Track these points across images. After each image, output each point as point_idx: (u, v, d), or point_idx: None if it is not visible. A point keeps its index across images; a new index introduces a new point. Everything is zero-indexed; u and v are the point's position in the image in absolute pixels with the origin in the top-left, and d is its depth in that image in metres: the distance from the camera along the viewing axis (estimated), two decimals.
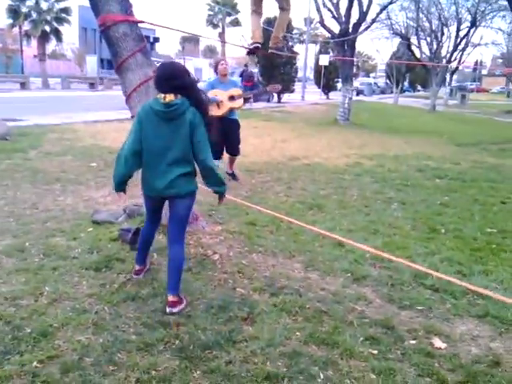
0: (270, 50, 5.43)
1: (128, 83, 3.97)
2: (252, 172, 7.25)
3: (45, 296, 3.04)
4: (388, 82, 48.29)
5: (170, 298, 2.97)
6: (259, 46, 5.10)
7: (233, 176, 6.67)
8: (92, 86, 30.11)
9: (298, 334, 2.79)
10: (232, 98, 6.18)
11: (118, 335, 2.66)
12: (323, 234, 4.15)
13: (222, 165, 6.44)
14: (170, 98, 2.82)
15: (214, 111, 5.89)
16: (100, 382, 2.27)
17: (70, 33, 40.40)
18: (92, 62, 40.10)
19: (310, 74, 43.75)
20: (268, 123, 14.54)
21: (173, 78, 2.83)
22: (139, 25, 4.18)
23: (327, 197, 5.98)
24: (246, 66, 24.96)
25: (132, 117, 4.13)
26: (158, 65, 3.21)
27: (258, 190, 6.20)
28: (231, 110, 6.26)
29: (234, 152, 6.60)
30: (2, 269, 3.39)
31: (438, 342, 2.79)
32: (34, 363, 2.36)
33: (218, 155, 6.52)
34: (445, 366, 2.58)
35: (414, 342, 2.79)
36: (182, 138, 2.85)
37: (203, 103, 2.97)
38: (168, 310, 2.93)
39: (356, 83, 40.52)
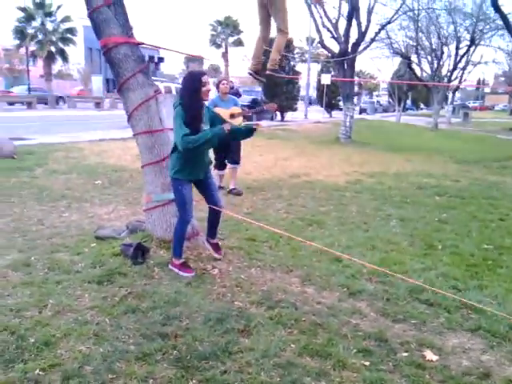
0: (267, 72, 5.64)
1: (129, 102, 4.13)
2: (253, 189, 7.37)
3: (48, 308, 3.14)
4: (391, 100, 48.70)
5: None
6: (252, 73, 5.37)
7: (235, 192, 6.91)
8: (98, 105, 30.57)
9: (292, 345, 2.87)
10: (232, 115, 6.58)
11: (118, 345, 2.74)
12: (321, 249, 4.24)
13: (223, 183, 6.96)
14: None
15: None
16: None
17: (76, 53, 41.32)
18: (97, 81, 40.77)
19: (314, 93, 44.16)
20: (271, 141, 14.72)
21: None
22: (142, 46, 4.38)
23: (327, 213, 6.08)
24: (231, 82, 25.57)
25: (134, 135, 4.29)
26: (161, 85, 3.56)
27: (259, 207, 6.31)
28: None
29: (235, 159, 7.00)
30: (8, 282, 3.50)
31: (429, 355, 2.86)
32: (37, 371, 2.46)
33: (222, 167, 6.99)
34: (435, 377, 2.64)
35: (406, 354, 2.86)
36: None
37: (184, 103, 3.70)
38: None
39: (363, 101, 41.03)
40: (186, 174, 3.81)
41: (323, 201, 6.77)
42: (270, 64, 5.42)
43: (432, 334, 3.11)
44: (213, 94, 6.54)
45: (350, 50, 15.62)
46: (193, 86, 3.72)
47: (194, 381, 2.49)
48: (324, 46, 16.68)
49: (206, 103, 6.52)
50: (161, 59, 56.66)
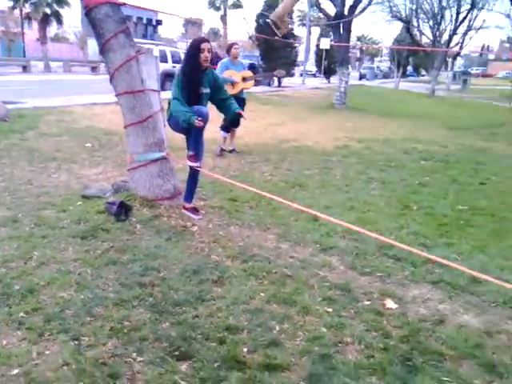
0: (270, 18, 5.75)
1: (111, 63, 4.20)
2: (242, 153, 7.49)
3: (33, 260, 3.32)
4: (391, 66, 48.08)
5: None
6: (272, 22, 5.57)
7: (234, 151, 7.48)
8: (94, 69, 30.22)
9: (262, 294, 3.06)
10: (244, 78, 7.05)
11: (98, 293, 2.94)
12: (297, 208, 4.40)
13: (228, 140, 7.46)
14: None
15: (229, 90, 6.70)
16: (78, 329, 2.55)
17: (73, 16, 40.37)
18: (94, 45, 39.95)
19: (313, 58, 43.52)
20: (265, 107, 14.70)
21: None
22: (140, 8, 4.40)
23: (311, 177, 6.22)
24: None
25: (116, 95, 4.38)
26: (156, 48, 3.90)
27: (245, 170, 6.45)
28: (242, 90, 7.10)
29: (237, 125, 7.35)
30: None
31: (390, 303, 3.06)
32: (21, 314, 2.65)
33: (228, 129, 7.40)
34: (392, 323, 2.84)
35: (367, 302, 3.06)
36: None
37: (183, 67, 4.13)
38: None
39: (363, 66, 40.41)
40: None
41: (309, 165, 6.90)
42: (280, 25, 5.52)
43: (395, 286, 3.31)
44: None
45: (346, 12, 15.38)
46: (192, 51, 4.06)
47: (166, 323, 2.69)
48: (320, 8, 16.41)
49: (219, 65, 6.93)
50: (159, 22, 55.56)
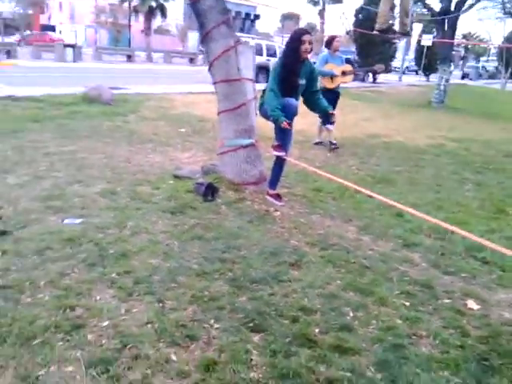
0: (397, 34, 5.95)
1: (211, 52, 4.41)
2: (327, 147, 7.45)
3: (127, 229, 3.61)
4: (499, 66, 44.64)
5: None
6: (380, 31, 5.77)
7: (321, 144, 7.55)
8: (192, 60, 31.54)
9: (338, 281, 3.08)
10: (344, 73, 7.07)
11: (182, 263, 3.14)
12: (383, 201, 4.32)
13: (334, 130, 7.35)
14: None
15: (328, 83, 7.05)
16: (163, 293, 2.76)
17: (176, 8, 42.27)
18: (194, 38, 41.81)
19: (412, 55, 41.73)
20: (356, 102, 14.43)
21: None
22: (235, 1, 4.59)
23: (400, 173, 6.04)
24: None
25: (213, 83, 4.58)
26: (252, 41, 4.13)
27: (332, 163, 6.43)
28: (339, 84, 7.18)
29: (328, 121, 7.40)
30: (96, 206, 4.04)
31: (472, 304, 2.92)
32: (113, 274, 2.92)
33: (331, 120, 7.26)
34: (472, 323, 2.72)
35: (448, 301, 2.95)
36: None
37: (282, 57, 4.19)
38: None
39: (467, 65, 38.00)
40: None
41: (399, 161, 6.70)
42: (400, 28, 5.68)
43: (480, 288, 3.15)
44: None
45: (453, 8, 14.56)
46: (292, 43, 4.09)
47: (243, 297, 2.80)
48: (424, 4, 15.69)
49: (319, 59, 7.03)
50: (256, 16, 56.54)
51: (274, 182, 4.46)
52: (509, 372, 2.28)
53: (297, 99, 4.28)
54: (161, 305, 2.65)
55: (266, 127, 5.55)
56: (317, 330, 2.53)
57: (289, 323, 2.58)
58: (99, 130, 7.09)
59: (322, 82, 7.02)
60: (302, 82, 4.20)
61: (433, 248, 3.72)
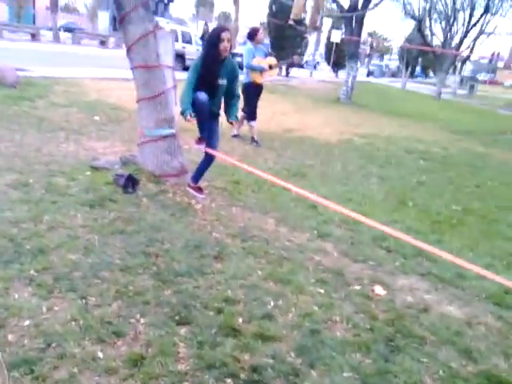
0: (308, 28, 6.25)
1: (129, 36, 4.30)
2: (247, 140, 7.61)
3: (44, 223, 3.46)
4: (400, 65, 47.96)
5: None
6: (294, 23, 6.00)
7: (238, 136, 7.61)
8: (103, 43, 30.04)
9: (259, 272, 3.24)
10: (270, 66, 7.17)
11: (104, 258, 3.10)
12: (299, 193, 4.56)
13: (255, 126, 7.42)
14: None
15: (257, 78, 7.13)
16: (85, 289, 2.72)
17: None
18: (104, 18, 39.75)
19: (323, 50, 43.37)
20: (271, 95, 14.73)
21: None
22: None
23: (312, 167, 6.38)
24: (205, 24, 26.32)
25: (131, 68, 4.49)
26: (168, 25, 3.98)
27: (249, 156, 6.59)
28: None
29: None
30: (8, 199, 3.80)
31: (379, 290, 3.24)
32: (31, 271, 2.81)
33: (255, 116, 7.45)
34: (380, 307, 3.03)
35: (358, 287, 3.24)
36: None
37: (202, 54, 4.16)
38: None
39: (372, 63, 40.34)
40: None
41: (311, 155, 7.05)
42: (312, 24, 5.99)
43: (385, 274, 3.49)
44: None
45: (360, 6, 15.36)
46: (211, 40, 4.05)
47: (168, 291, 2.85)
48: (336, 1, 16.38)
49: (244, 52, 7.03)
50: (170, 0, 55.04)
51: (197, 177, 4.50)
52: (411, 350, 2.58)
53: (215, 97, 4.16)
54: (84, 301, 2.62)
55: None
56: (240, 320, 2.66)
57: (214, 314, 2.68)
58: (4, 115, 6.59)
59: (251, 77, 7.14)
60: (223, 81, 4.12)
61: (343, 238, 4.03)
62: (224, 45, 3.96)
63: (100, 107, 8.23)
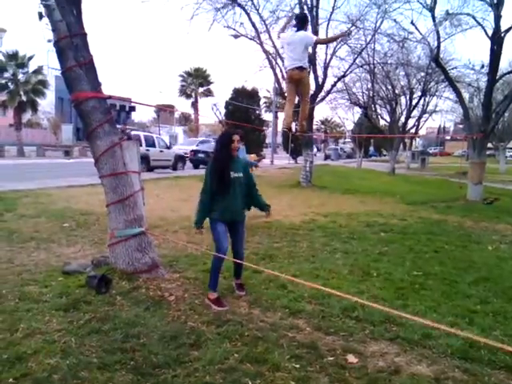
0: (297, 133, 7.01)
1: (96, 149, 4.68)
2: None
3: (19, 331, 3.52)
4: (354, 147, 50.72)
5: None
6: (287, 131, 6.81)
7: None
8: (67, 153, 30.81)
9: (235, 355, 3.34)
10: (258, 160, 8.85)
11: (82, 359, 3.16)
12: (269, 272, 4.78)
13: None
14: None
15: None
16: None
17: (46, 102, 41.53)
18: (67, 130, 41.11)
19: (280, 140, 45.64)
20: None
21: None
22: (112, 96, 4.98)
23: (279, 249, 6.63)
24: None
25: (100, 177, 4.81)
26: (131, 133, 4.41)
27: None
28: None
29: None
30: None
31: (351, 358, 3.38)
32: (10, 379, 2.85)
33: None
34: (354, 374, 3.16)
35: (331, 358, 3.37)
36: None
37: (215, 154, 4.61)
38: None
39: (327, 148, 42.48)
40: (218, 215, 4.42)
41: (278, 238, 7.34)
42: (300, 128, 6.84)
43: (356, 343, 3.64)
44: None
45: None
46: (224, 141, 4.51)
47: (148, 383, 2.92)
48: (284, 97, 17.76)
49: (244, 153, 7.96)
50: (132, 108, 57.63)
51: (213, 284, 4.43)
52: None
53: (233, 198, 4.42)
54: None
55: (154, 216, 5.82)
56: None
57: None
58: None
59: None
60: (239, 174, 4.45)
61: (314, 313, 4.20)
62: (235, 145, 4.45)
63: (69, 214, 8.42)
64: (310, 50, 14.62)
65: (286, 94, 6.83)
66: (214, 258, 4.45)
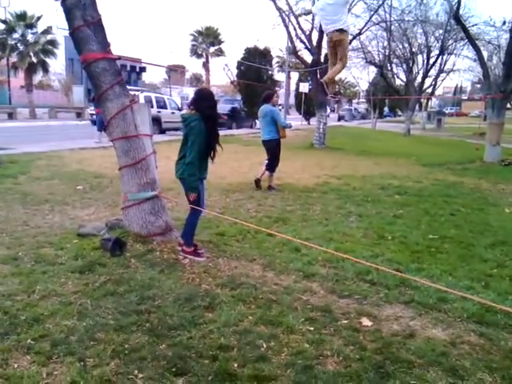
0: (329, 96, 6.88)
1: (107, 111, 4.59)
2: (227, 192, 7.86)
3: (36, 293, 3.56)
4: (368, 108, 49.78)
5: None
6: (324, 83, 6.73)
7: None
8: (79, 115, 30.76)
9: (250, 317, 3.35)
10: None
11: (98, 320, 3.19)
12: (282, 236, 4.75)
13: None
14: (189, 112, 4.36)
15: (284, 134, 8.51)
16: (83, 352, 2.80)
17: (57, 63, 41.21)
18: (79, 92, 40.86)
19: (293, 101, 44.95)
20: (248, 148, 15.23)
21: (196, 99, 4.34)
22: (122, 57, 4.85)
23: (293, 212, 6.60)
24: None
25: (111, 140, 4.75)
26: (141, 94, 4.25)
27: (231, 207, 6.80)
28: None
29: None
30: None
31: (365, 321, 3.37)
32: (29, 340, 2.89)
33: (273, 169, 8.42)
34: (368, 338, 3.15)
35: (345, 321, 3.37)
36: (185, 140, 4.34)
37: (210, 120, 4.32)
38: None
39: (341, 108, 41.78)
40: (200, 174, 4.45)
41: (291, 201, 7.29)
42: (331, 89, 6.66)
43: (371, 306, 3.63)
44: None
45: (322, 60, 16.27)
46: (213, 101, 4.46)
47: (163, 345, 2.95)
48: (298, 56, 17.31)
49: (275, 112, 8.20)
50: (142, 69, 57.00)
51: (188, 238, 4.52)
52: (401, 375, 2.70)
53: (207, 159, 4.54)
54: (82, 363, 2.70)
55: (166, 178, 5.78)
56: (235, 365, 2.76)
57: (209, 362, 2.78)
58: None
59: (281, 133, 8.38)
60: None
61: (328, 276, 4.18)
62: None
63: (82, 176, 8.44)
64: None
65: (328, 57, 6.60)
66: (196, 217, 4.51)
